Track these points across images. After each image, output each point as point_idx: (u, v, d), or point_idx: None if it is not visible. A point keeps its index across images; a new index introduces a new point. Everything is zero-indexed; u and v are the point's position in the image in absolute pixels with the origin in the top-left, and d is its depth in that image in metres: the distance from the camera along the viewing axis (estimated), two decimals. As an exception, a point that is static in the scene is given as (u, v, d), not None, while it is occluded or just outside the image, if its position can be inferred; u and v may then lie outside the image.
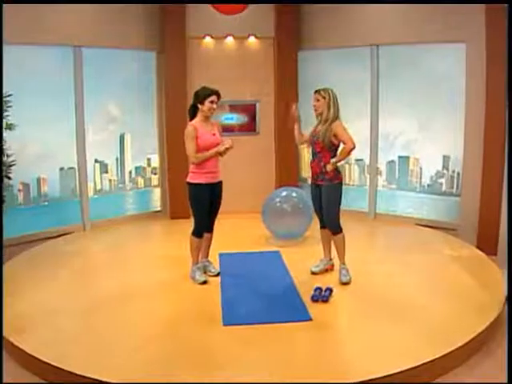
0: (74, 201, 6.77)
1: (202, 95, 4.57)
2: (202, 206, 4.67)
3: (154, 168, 7.54)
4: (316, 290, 4.37)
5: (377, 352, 3.45)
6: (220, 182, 4.87)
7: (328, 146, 4.58)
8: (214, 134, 4.67)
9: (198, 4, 6.93)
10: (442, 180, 6.74)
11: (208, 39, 7.25)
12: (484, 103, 5.98)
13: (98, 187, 7.04)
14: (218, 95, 4.63)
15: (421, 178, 6.92)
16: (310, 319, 3.94)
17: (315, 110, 4.67)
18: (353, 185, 7.48)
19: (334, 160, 4.56)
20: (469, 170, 6.35)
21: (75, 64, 6.53)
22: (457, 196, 6.58)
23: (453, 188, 6.65)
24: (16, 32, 5.79)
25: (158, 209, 7.58)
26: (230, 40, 7.30)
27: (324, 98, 4.60)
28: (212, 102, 4.57)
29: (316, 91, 4.66)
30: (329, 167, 4.55)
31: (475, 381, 3.34)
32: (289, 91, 7.33)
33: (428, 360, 3.32)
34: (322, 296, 4.29)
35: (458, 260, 5.35)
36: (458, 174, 6.56)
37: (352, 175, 7.46)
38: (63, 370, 3.23)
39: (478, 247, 5.89)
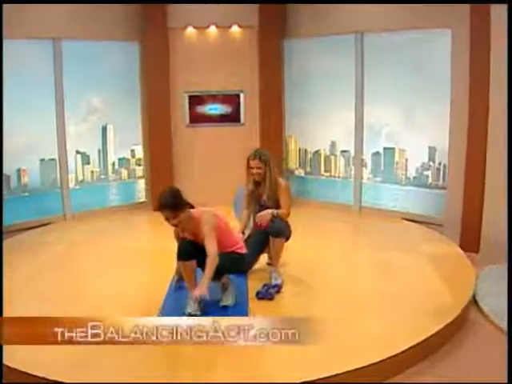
0: (55, 192, 6.53)
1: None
2: None
3: (139, 159, 7.23)
4: (264, 286, 3.97)
5: (304, 356, 2.95)
6: None
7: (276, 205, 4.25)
8: (195, 235, 3.58)
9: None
10: (428, 172, 6.21)
11: (190, 29, 6.85)
12: (468, 92, 5.44)
13: (80, 178, 6.79)
14: (169, 210, 3.37)
15: (406, 170, 6.41)
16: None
17: (256, 176, 4.21)
18: (338, 177, 7.02)
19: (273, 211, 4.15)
20: (454, 162, 5.77)
21: (55, 57, 6.27)
22: (443, 189, 6.05)
23: (439, 181, 6.13)
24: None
25: (143, 200, 7.28)
26: (212, 29, 6.88)
27: (265, 163, 4.18)
28: (166, 219, 3.43)
29: (255, 157, 4.20)
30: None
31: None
32: (273, 81, 6.95)
33: (358, 366, 2.89)
34: (268, 293, 3.89)
35: (432, 258, 4.83)
36: (445, 166, 6.02)
37: (337, 167, 7.00)
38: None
39: (461, 244, 5.39)
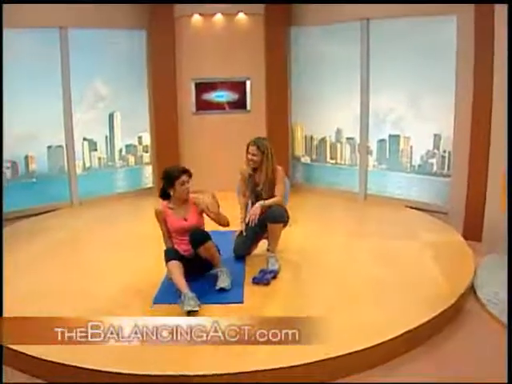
0: (63, 178, 6.51)
1: (171, 179, 3.81)
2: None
3: (146, 146, 7.20)
4: (260, 272, 3.97)
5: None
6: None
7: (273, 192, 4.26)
8: (185, 219, 3.88)
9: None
10: (433, 160, 6.12)
11: (196, 17, 6.77)
12: (472, 79, 5.34)
13: (87, 165, 6.77)
14: (188, 173, 3.83)
15: (411, 157, 6.32)
16: (241, 302, 3.56)
17: (252, 162, 4.25)
18: (344, 164, 6.95)
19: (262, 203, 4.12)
20: (459, 150, 5.67)
21: (61, 45, 6.24)
22: (448, 177, 5.96)
23: (444, 169, 6.04)
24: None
25: (150, 185, 7.24)
26: (219, 17, 6.79)
27: (263, 152, 4.20)
28: (183, 183, 3.80)
29: (254, 144, 4.23)
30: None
31: (388, 381, 2.86)
32: (279, 68, 6.88)
33: (352, 351, 2.86)
34: (264, 278, 3.88)
35: (433, 246, 4.75)
36: (450, 153, 5.93)
37: (343, 154, 6.92)
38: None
39: (464, 232, 5.31)
